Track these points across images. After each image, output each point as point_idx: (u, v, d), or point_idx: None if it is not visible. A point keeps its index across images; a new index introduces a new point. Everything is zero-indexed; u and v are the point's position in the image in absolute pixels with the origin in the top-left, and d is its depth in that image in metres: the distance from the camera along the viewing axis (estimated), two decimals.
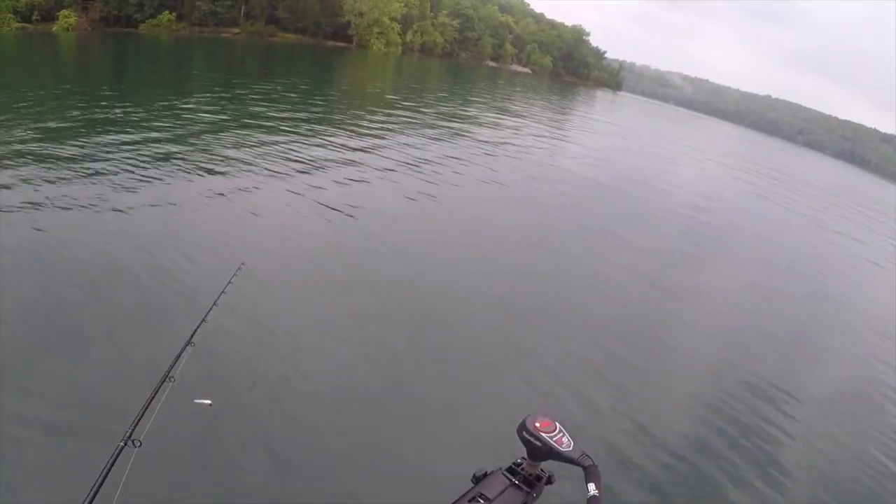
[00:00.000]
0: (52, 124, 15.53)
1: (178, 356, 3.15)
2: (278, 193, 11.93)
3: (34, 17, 57.64)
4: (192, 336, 3.40)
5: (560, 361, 7.73)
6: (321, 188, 12.79)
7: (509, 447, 2.56)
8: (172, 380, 2.95)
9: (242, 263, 4.96)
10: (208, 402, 3.11)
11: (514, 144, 24.85)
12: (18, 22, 57.04)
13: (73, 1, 57.80)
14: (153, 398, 2.73)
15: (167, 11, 57.63)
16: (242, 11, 62.57)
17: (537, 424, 2.30)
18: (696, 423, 7.22)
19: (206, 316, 3.72)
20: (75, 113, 17.56)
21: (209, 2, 59.75)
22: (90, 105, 19.15)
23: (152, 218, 9.33)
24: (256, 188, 11.96)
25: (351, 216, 11.37)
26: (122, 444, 2.38)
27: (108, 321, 6.34)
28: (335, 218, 11.14)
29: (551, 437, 2.27)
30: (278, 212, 10.95)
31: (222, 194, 11.10)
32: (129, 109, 18.80)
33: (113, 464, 2.25)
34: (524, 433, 2.30)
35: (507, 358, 7.58)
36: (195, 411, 4.72)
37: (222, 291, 4.29)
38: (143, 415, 2.58)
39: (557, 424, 2.32)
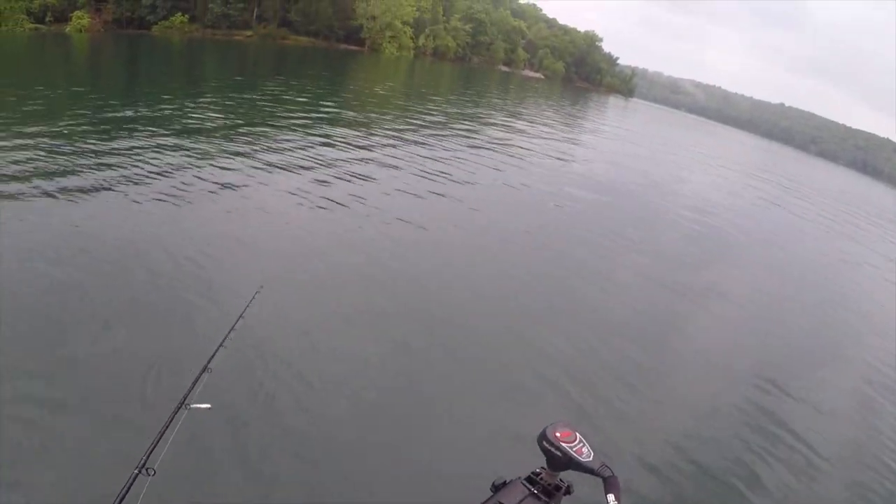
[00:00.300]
0: (63, 123, 15.52)
1: (195, 382, 3.10)
2: (291, 204, 11.71)
3: (47, 18, 57.98)
4: (208, 362, 3.32)
5: (574, 365, 7.75)
6: (334, 194, 12.60)
7: (526, 453, 2.55)
8: (188, 407, 2.91)
9: (261, 287, 4.79)
10: (207, 405, 3.07)
11: (525, 148, 24.69)
12: (32, 23, 57.43)
13: (86, 2, 58.05)
14: (168, 426, 2.70)
15: (180, 13, 57.83)
16: (255, 14, 62.65)
17: (557, 434, 2.31)
18: (713, 429, 7.20)
19: (223, 341, 3.62)
20: (86, 112, 17.60)
21: (222, 4, 59.89)
22: (101, 106, 19.07)
23: (167, 238, 8.93)
24: (269, 200, 11.70)
25: (364, 226, 11.23)
26: (136, 471, 2.38)
27: (125, 346, 6.14)
28: (350, 229, 10.96)
29: (571, 448, 2.28)
30: (292, 225, 10.75)
31: (235, 210, 10.85)
32: (141, 111, 18.69)
33: (126, 492, 2.26)
34: (544, 443, 2.32)
35: (522, 361, 7.56)
36: (210, 440, 4.78)
37: (240, 316, 4.12)
38: (157, 442, 2.57)
39: (578, 434, 2.33)
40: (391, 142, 19.40)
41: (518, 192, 16.90)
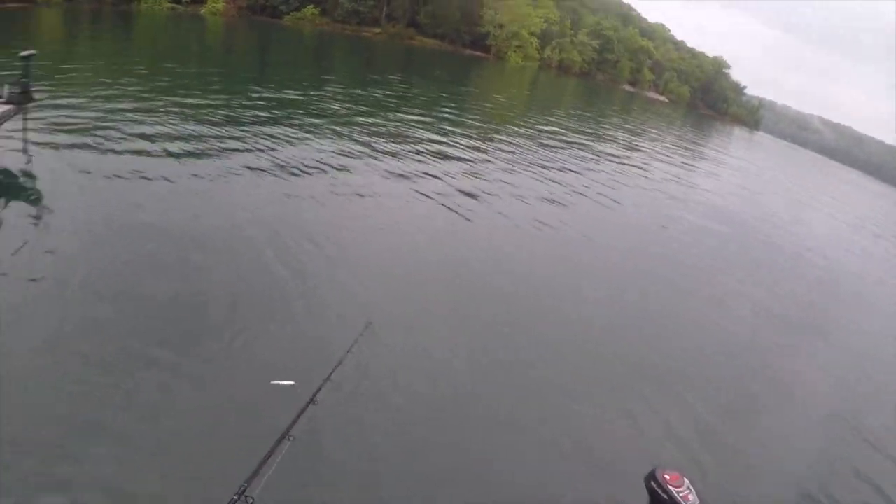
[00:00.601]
0: (191, 101, 16.14)
1: (300, 414, 3.11)
2: (405, 218, 11.14)
3: (185, 0, 60.26)
4: (314, 395, 3.31)
5: (679, 395, 7.60)
6: (447, 203, 12.02)
7: (625, 489, 2.96)
8: (291, 438, 2.88)
9: (370, 322, 4.91)
10: (291, 382, 3.75)
11: (642, 170, 23.58)
12: (169, 2, 60.18)
13: None
14: (270, 455, 2.70)
15: (311, 6, 58.28)
16: (384, 12, 62.12)
17: (666, 477, 2.34)
18: (822, 481, 6.83)
19: (330, 375, 3.61)
20: (215, 91, 18.52)
21: (353, 1, 59.92)
22: (230, 87, 20.14)
23: (279, 266, 8.13)
24: (383, 212, 11.11)
25: (477, 248, 10.60)
26: (234, 497, 2.48)
27: (230, 373, 5.87)
28: (463, 250, 10.35)
29: (678, 493, 2.29)
30: (406, 248, 10.03)
31: (349, 228, 10.07)
32: (267, 96, 19.41)
33: None
34: (652, 483, 2.36)
35: (629, 390, 7.43)
36: (311, 472, 4.71)
37: (348, 350, 4.15)
38: (258, 471, 2.60)
39: (686, 480, 2.37)
40: (508, 151, 18.97)
41: (629, 214, 16.11)
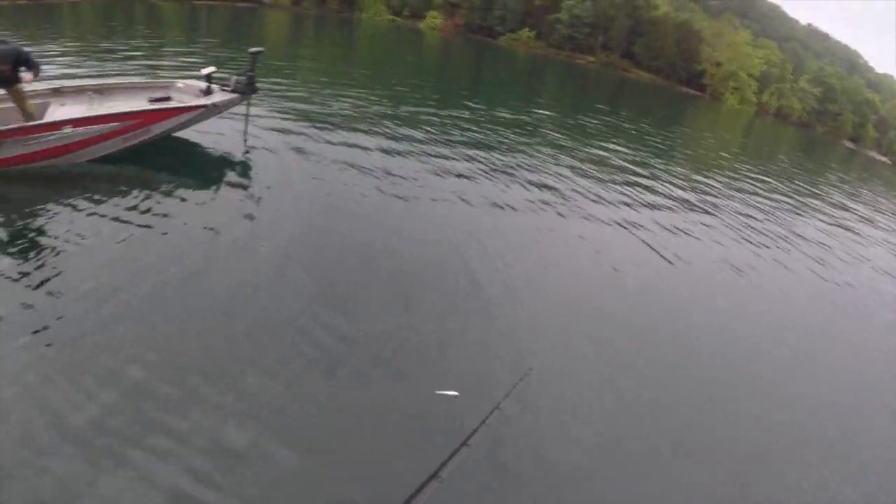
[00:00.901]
0: (404, 109, 17.07)
1: (451, 456, 2.92)
2: (587, 257, 9.90)
3: (404, 13, 63.37)
4: (468, 438, 3.11)
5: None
6: (636, 251, 10.64)
7: None
8: (440, 479, 2.72)
9: (530, 369, 5.14)
10: (454, 393, 4.01)
11: (856, 240, 19.50)
12: (390, 14, 63.25)
13: (441, 4, 61.44)
14: (416, 494, 2.61)
15: (527, 28, 58.64)
16: (600, 41, 60.79)
17: None
18: None
19: (486, 419, 3.40)
20: (425, 99, 19.44)
21: (568, 26, 59.31)
22: (441, 98, 20.85)
23: (459, 284, 7.72)
24: (565, 248, 10.03)
25: (666, 292, 9.27)
26: None
27: (382, 406, 5.30)
28: (652, 296, 9.01)
29: None
30: (582, 291, 8.80)
31: (534, 274, 8.81)
32: (476, 109, 19.67)
33: None
34: None
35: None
36: None
37: (506, 395, 3.85)
38: None
39: None
40: (714, 195, 17.21)
41: (841, 283, 13.21)
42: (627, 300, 8.54)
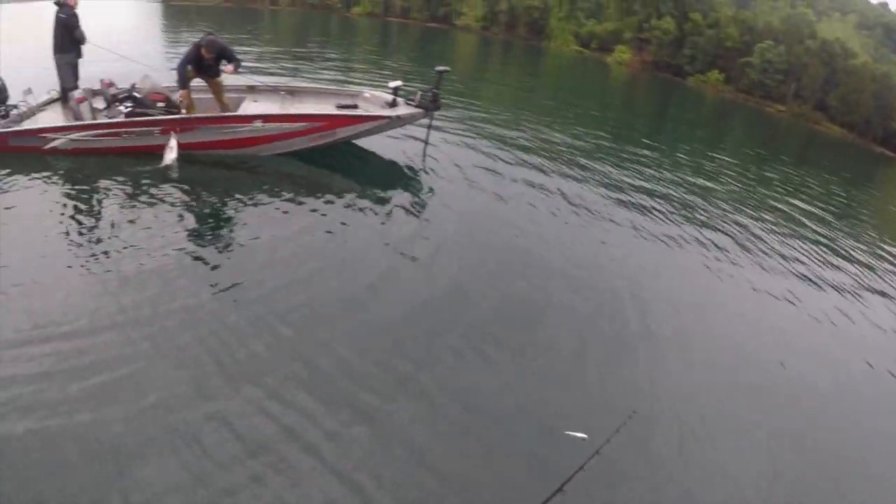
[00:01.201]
0: (584, 141, 17.34)
1: (545, 502, 3.04)
2: (721, 318, 9.01)
3: (592, 45, 64.27)
4: (563, 484, 3.22)
5: None
6: (786, 307, 9.76)
7: None
8: None
9: (634, 412, 4.78)
10: (583, 436, 3.81)
11: None
12: (577, 46, 64.32)
13: (630, 39, 61.88)
14: None
15: (717, 70, 57.83)
16: (792, 89, 58.69)
17: None
18: None
19: (583, 465, 3.48)
20: (605, 134, 19.78)
21: (760, 71, 57.79)
22: (620, 133, 21.08)
23: (593, 318, 7.69)
24: (696, 307, 9.10)
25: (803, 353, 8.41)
26: None
27: (479, 441, 5.29)
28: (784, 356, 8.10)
29: None
30: (705, 343, 8.16)
31: (671, 319, 8.35)
32: (655, 147, 19.67)
33: None
34: None
35: None
36: None
37: (607, 440, 3.93)
38: None
39: None
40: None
41: None
42: (778, 368, 7.83)
